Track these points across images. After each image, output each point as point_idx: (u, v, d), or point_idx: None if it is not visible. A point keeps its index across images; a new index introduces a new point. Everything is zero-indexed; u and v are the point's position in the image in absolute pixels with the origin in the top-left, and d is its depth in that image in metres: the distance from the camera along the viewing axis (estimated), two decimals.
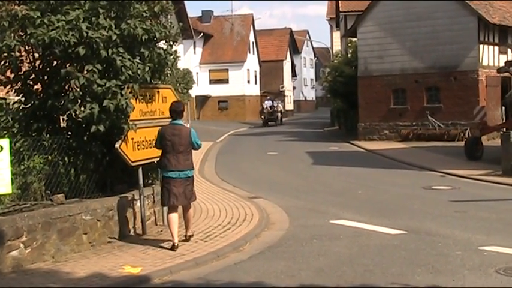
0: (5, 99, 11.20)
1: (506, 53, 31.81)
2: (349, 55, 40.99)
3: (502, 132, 20.97)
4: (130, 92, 10.45)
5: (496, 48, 31.94)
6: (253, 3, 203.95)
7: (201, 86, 60.50)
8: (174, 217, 10.23)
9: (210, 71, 63.43)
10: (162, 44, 11.55)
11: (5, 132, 10.53)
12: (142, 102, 11.15)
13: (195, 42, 58.71)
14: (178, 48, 25.99)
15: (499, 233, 11.05)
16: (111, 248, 10.17)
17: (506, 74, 25.78)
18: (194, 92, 51.23)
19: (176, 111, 10.39)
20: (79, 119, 10.69)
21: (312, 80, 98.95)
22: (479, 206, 14.00)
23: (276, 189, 17.50)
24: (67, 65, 10.46)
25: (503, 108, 30.34)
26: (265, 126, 51.50)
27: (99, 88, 10.04)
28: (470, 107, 29.08)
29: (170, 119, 10.76)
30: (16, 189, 9.75)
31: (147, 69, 10.71)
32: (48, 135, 10.46)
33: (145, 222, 11.28)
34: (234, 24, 65.16)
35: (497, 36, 31.94)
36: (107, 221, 10.46)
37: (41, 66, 11.05)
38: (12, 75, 10.86)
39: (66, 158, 10.54)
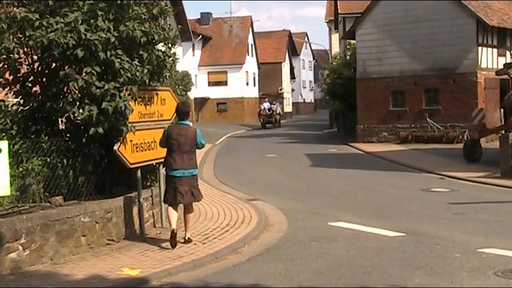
0: (3, 101, 11.20)
1: (504, 55, 31.86)
2: (347, 57, 41.02)
3: (500, 135, 21.00)
4: (129, 94, 10.46)
5: (495, 50, 31.97)
6: (252, 5, 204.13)
7: (200, 88, 60.51)
8: (174, 212, 10.50)
9: (208, 73, 63.43)
10: (160, 46, 11.55)
11: (3, 134, 10.52)
12: (141, 105, 11.15)
13: (193, 45, 58.76)
14: (177, 50, 26.03)
15: (497, 235, 11.06)
16: (109, 250, 10.17)
17: (505, 76, 25.80)
18: (193, 94, 51.30)
19: (182, 112, 10.68)
20: (78, 121, 10.69)
21: (310, 82, 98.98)
22: (477, 208, 14.01)
23: (275, 191, 17.50)
24: (66, 67, 10.46)
25: (502, 110, 30.44)
26: (264, 129, 51.38)
27: (98, 90, 10.05)
28: (469, 109, 29.10)
29: (169, 120, 11.07)
30: (15, 191, 9.75)
31: (145, 71, 10.71)
32: (46, 137, 10.45)
33: (143, 224, 11.28)
34: (233, 27, 65.20)
35: (495, 38, 31.98)
36: (106, 223, 10.46)
37: (39, 68, 11.04)
38: (11, 77, 10.85)
39: (64, 160, 10.54)
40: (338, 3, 48.79)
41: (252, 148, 33.23)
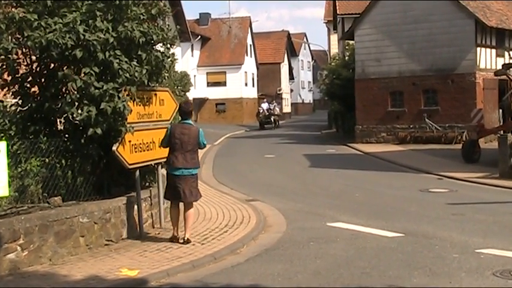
0: (2, 101, 11.19)
1: (503, 56, 31.89)
2: (346, 58, 41.05)
3: (499, 135, 21.00)
4: (127, 95, 10.46)
5: (493, 51, 32.00)
6: (251, 6, 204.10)
7: (199, 89, 60.50)
8: (176, 212, 10.73)
9: (207, 73, 63.39)
10: (159, 47, 11.55)
11: (2, 134, 10.51)
12: (140, 105, 11.15)
13: (192, 45, 58.72)
14: (176, 50, 25.98)
15: (496, 235, 11.07)
16: (108, 251, 10.17)
17: (504, 77, 25.80)
18: (192, 94, 51.23)
19: (185, 111, 10.83)
20: (76, 122, 10.67)
21: (309, 82, 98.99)
22: (476, 209, 14.02)
23: (273, 191, 17.50)
24: (64, 68, 10.46)
25: (501, 111, 30.48)
26: (262, 129, 51.31)
27: (97, 91, 10.04)
28: (467, 110, 29.12)
29: (167, 121, 11.49)
30: (13, 192, 9.74)
31: (144, 71, 10.72)
32: (45, 138, 10.44)
33: (142, 224, 11.28)
34: (232, 27, 65.18)
35: (494, 39, 32.01)
36: (104, 224, 10.46)
37: (38, 69, 11.04)
38: (10, 78, 10.84)
39: (63, 161, 10.54)
40: (337, 4, 48.80)
41: (251, 149, 33.23)
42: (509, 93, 26.13)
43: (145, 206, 11.60)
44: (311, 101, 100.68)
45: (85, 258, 9.67)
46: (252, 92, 67.92)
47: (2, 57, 10.43)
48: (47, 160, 10.28)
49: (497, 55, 31.99)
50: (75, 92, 10.17)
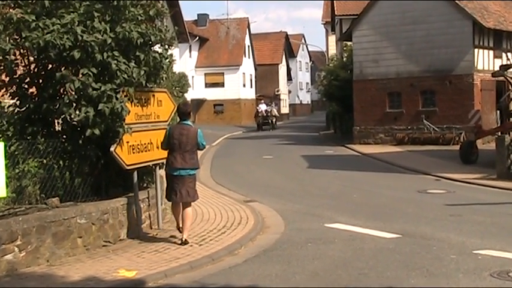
0: (0, 102, 11.19)
1: (501, 57, 31.92)
2: (344, 59, 41.11)
3: (496, 136, 21.03)
4: (125, 96, 10.46)
5: (491, 52, 32.03)
6: (249, 7, 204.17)
7: (197, 90, 60.48)
8: (176, 210, 10.89)
9: (205, 74, 63.40)
10: (157, 48, 11.55)
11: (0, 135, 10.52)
12: (138, 106, 11.15)
13: (190, 46, 58.70)
14: (174, 51, 25.96)
15: (493, 236, 11.07)
16: (106, 252, 10.16)
17: (501, 78, 25.86)
18: (190, 95, 51.17)
19: (184, 112, 10.88)
20: (74, 123, 10.66)
21: (307, 83, 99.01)
22: (474, 210, 14.04)
23: (271, 192, 17.50)
24: (62, 69, 10.46)
25: (498, 112, 30.50)
26: (260, 131, 51.21)
27: (95, 92, 10.04)
28: (465, 111, 29.15)
29: (165, 122, 11.67)
30: (11, 193, 9.74)
31: (142, 72, 10.72)
32: (43, 139, 10.45)
33: (140, 225, 11.27)
34: (230, 28, 65.18)
35: (492, 40, 32.04)
36: (102, 225, 10.45)
37: (36, 70, 11.03)
38: (7, 79, 10.84)
39: (61, 162, 10.53)
40: (335, 5, 48.84)
41: (249, 150, 33.23)
42: (507, 95, 26.19)
43: (143, 207, 11.59)
44: (309, 102, 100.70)
45: (83, 259, 9.67)
46: (250, 93, 67.95)
47: (0, 58, 10.42)
48: (44, 161, 10.28)
49: (495, 56, 32.02)
50: (73, 93, 10.16)
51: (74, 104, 10.21)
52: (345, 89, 36.62)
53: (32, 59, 10.93)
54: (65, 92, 10.45)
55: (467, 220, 12.78)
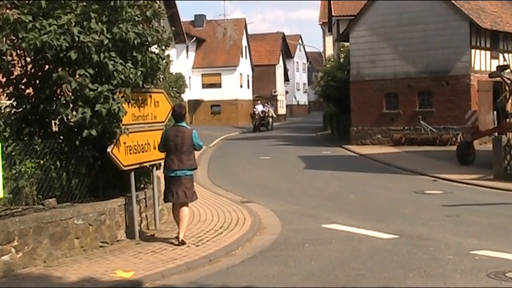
0: None
1: (497, 58, 31.95)
2: (341, 59, 41.09)
3: (493, 137, 21.07)
4: (122, 97, 10.45)
5: (488, 53, 32.08)
6: (246, 7, 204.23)
7: (194, 91, 60.46)
8: (176, 212, 10.94)
9: (202, 75, 63.39)
10: (154, 49, 11.55)
11: None
12: (135, 107, 11.15)
13: (187, 47, 58.71)
14: (171, 52, 25.99)
15: (490, 237, 11.09)
16: (103, 253, 10.16)
17: (498, 79, 25.90)
18: (187, 96, 51.22)
19: (178, 114, 10.98)
20: (71, 124, 10.67)
21: (304, 84, 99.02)
22: (471, 210, 14.05)
23: (269, 193, 17.51)
24: (59, 69, 10.45)
25: (495, 112, 30.55)
26: (256, 132, 51.01)
27: (91, 92, 10.03)
28: (462, 112, 29.20)
29: (162, 123, 11.73)
30: (8, 194, 9.72)
31: (139, 73, 10.72)
32: (40, 140, 10.43)
33: (137, 226, 11.26)
34: (227, 29, 65.18)
35: (488, 41, 32.09)
36: (99, 226, 10.45)
37: (32, 71, 11.02)
38: (4, 80, 10.82)
39: (58, 163, 10.52)
40: (332, 6, 48.86)
41: (246, 150, 33.23)
42: (504, 95, 26.20)
43: (140, 207, 11.59)
44: (306, 103, 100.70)
45: (80, 260, 9.66)
46: (247, 94, 67.94)
47: None
48: (41, 162, 10.26)
49: (492, 57, 32.05)
50: (70, 94, 10.16)
51: (71, 105, 10.22)
52: (342, 89, 36.65)
53: (28, 59, 10.92)
54: (62, 93, 10.46)
55: (464, 221, 12.79)
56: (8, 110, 11.07)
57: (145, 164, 11.64)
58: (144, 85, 11.44)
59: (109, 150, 10.50)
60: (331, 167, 24.11)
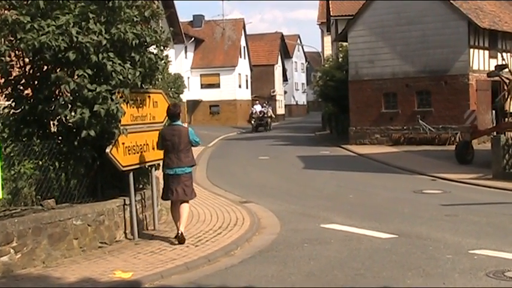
0: None
1: (496, 57, 31.95)
2: (340, 59, 41.10)
3: (492, 136, 21.07)
4: (121, 97, 10.45)
5: (486, 52, 32.10)
6: (244, 8, 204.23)
7: (192, 91, 60.46)
8: (175, 211, 11.01)
9: (201, 75, 63.39)
10: (152, 49, 11.54)
11: None
12: (133, 107, 11.15)
13: (186, 47, 58.69)
14: (169, 52, 25.98)
15: (489, 236, 11.09)
16: (102, 253, 10.16)
17: (497, 78, 25.92)
18: (185, 96, 51.18)
19: (173, 114, 11.08)
20: (70, 124, 10.67)
21: (303, 84, 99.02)
22: (469, 210, 14.06)
23: (267, 193, 17.51)
24: (57, 70, 10.44)
25: (494, 112, 30.57)
26: (255, 132, 50.91)
27: (90, 93, 10.03)
28: (460, 111, 29.19)
29: (161, 123, 11.78)
30: (6, 195, 9.71)
31: (137, 74, 10.72)
32: (38, 140, 10.43)
33: (136, 227, 11.25)
34: (225, 29, 65.15)
35: (487, 40, 32.11)
36: (98, 226, 10.44)
37: (31, 71, 11.01)
38: (3, 80, 10.82)
39: (56, 163, 10.52)
40: (330, 5, 48.84)
41: (245, 150, 33.23)
42: (502, 95, 26.21)
43: (139, 208, 11.59)
44: (305, 103, 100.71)
45: (79, 260, 9.66)
46: (245, 94, 67.95)
47: None
48: (40, 162, 10.25)
49: (490, 56, 32.07)
50: (69, 94, 10.16)
51: (69, 106, 10.22)
52: (340, 89, 36.66)
53: (27, 60, 10.91)
54: (60, 94, 10.45)
55: (463, 220, 12.80)
56: (6, 110, 11.06)
57: (144, 165, 11.64)
58: (143, 85, 11.44)
59: (108, 150, 10.50)
60: (330, 166, 24.12)
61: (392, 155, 27.77)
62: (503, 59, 30.60)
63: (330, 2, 49.23)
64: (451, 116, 30.83)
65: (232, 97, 63.79)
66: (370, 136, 33.76)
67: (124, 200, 11.12)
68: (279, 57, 79.53)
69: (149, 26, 11.41)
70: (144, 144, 11.48)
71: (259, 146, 35.96)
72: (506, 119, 26.11)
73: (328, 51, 57.62)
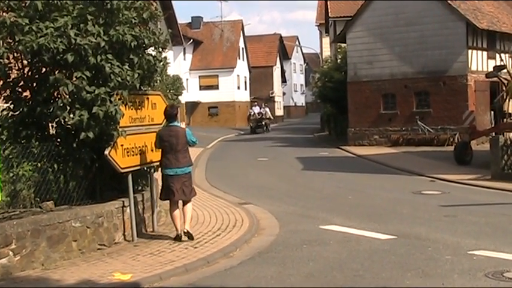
0: None
1: (494, 58, 31.98)
2: (338, 60, 41.13)
3: (491, 137, 21.07)
4: (119, 99, 10.45)
5: (485, 53, 32.12)
6: (243, 9, 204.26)
7: (191, 92, 60.45)
8: (176, 212, 11.16)
9: (200, 77, 63.40)
10: (151, 51, 11.55)
11: None
12: (132, 109, 11.15)
13: (184, 49, 58.66)
14: (168, 54, 25.98)
15: (488, 237, 11.10)
16: (101, 255, 10.15)
17: (495, 79, 25.92)
18: (184, 98, 51.18)
19: (171, 115, 11.22)
20: (68, 126, 10.67)
21: (301, 85, 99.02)
22: (468, 211, 14.06)
23: (266, 194, 17.50)
24: (56, 72, 10.43)
25: (492, 112, 30.59)
26: (253, 134, 50.82)
27: (88, 95, 10.03)
28: (459, 112, 29.21)
29: (160, 124, 11.77)
30: (5, 197, 9.70)
31: (136, 75, 10.71)
32: (37, 142, 10.42)
33: (134, 228, 11.25)
34: (224, 30, 65.09)
35: (485, 41, 32.12)
36: (97, 228, 10.44)
37: (29, 73, 11.01)
38: (1, 83, 10.81)
39: (55, 165, 10.50)
40: (329, 7, 48.86)
41: (244, 152, 33.23)
42: (501, 95, 26.23)
43: (138, 210, 11.58)
44: (303, 104, 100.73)
45: (78, 262, 9.65)
46: (244, 96, 67.97)
47: None
48: (39, 165, 10.25)
49: (489, 57, 32.09)
50: (67, 96, 10.17)
51: (68, 108, 10.22)
52: (339, 90, 36.66)
53: (25, 62, 10.90)
54: (59, 96, 10.45)
55: (461, 221, 12.80)
56: (5, 113, 11.06)
57: (142, 166, 11.64)
58: (141, 87, 11.46)
59: (106, 152, 10.49)
60: (328, 168, 24.13)
61: (391, 156, 27.77)
62: (501, 60, 30.58)
63: (328, 3, 49.28)
64: (449, 117, 30.84)
65: (231, 98, 63.81)
66: (369, 137, 33.76)
67: (123, 201, 11.11)
68: (278, 58, 79.55)
69: (148, 28, 11.42)
70: (142, 146, 11.47)
71: (258, 147, 35.96)
72: (505, 120, 26.13)
73: (326, 52, 57.71)
